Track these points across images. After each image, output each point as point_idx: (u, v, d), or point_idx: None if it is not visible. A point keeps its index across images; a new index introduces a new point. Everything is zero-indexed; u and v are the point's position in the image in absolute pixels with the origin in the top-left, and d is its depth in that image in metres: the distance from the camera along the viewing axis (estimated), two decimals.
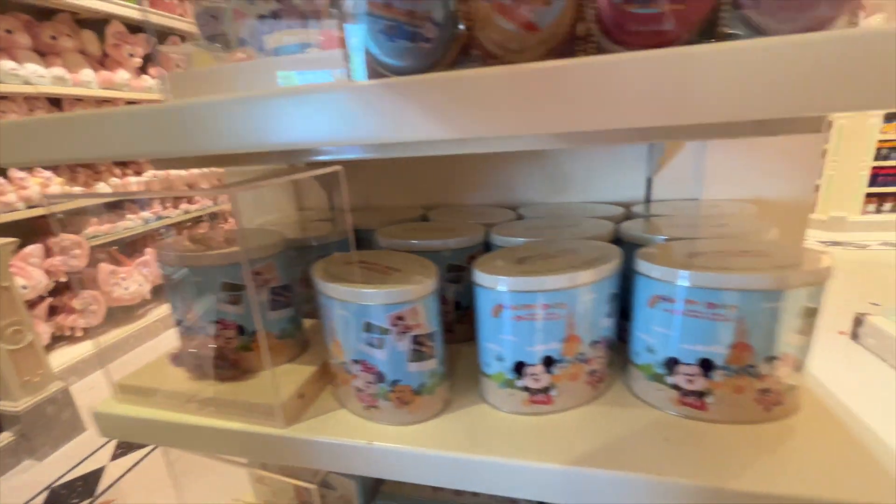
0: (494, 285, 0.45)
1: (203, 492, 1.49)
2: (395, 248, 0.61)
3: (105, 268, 2.87)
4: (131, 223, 3.05)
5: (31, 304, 2.44)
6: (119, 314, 3.09)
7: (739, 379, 0.43)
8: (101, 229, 2.89)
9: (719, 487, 0.38)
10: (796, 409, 0.45)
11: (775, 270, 0.40)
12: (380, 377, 0.46)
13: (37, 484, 1.83)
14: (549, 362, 0.46)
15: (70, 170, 2.81)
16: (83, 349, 2.74)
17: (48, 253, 2.57)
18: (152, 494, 1.76)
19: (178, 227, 3.39)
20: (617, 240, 0.60)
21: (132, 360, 2.93)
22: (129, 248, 3.27)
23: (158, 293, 3.32)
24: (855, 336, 2.56)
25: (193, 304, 0.53)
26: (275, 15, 0.47)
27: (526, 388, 0.47)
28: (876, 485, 0.37)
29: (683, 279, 0.42)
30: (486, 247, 0.62)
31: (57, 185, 2.64)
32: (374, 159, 0.83)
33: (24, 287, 2.24)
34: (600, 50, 0.33)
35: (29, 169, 2.53)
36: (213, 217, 3.84)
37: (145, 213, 3.15)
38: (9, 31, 2.47)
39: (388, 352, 0.45)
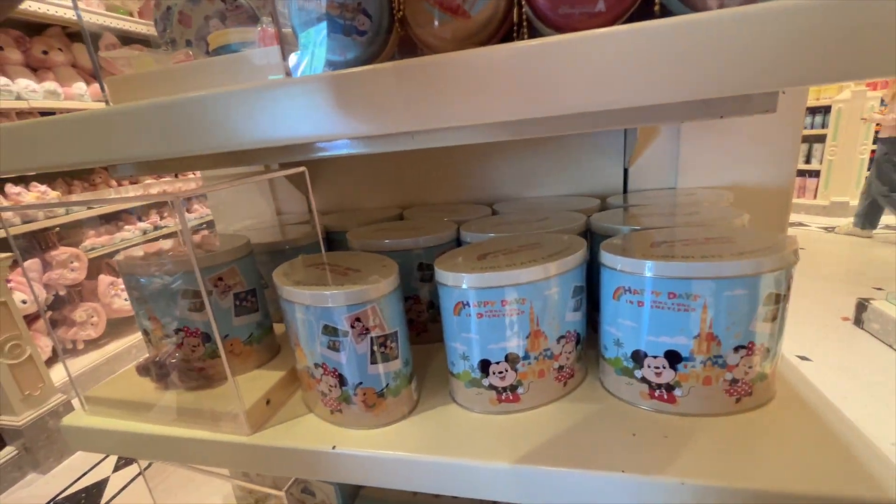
0: (456, 283, 0.44)
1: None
2: (367, 248, 0.60)
3: (105, 279, 2.88)
4: (129, 234, 3.06)
5: (31, 319, 2.45)
6: (120, 326, 3.10)
7: (707, 370, 0.42)
8: (99, 241, 2.91)
9: (682, 483, 0.36)
10: (768, 399, 0.44)
11: (738, 257, 0.39)
12: (342, 380, 0.46)
13: (41, 497, 1.84)
14: (513, 359, 0.45)
15: (66, 183, 2.83)
16: (86, 361, 2.75)
17: (46, 267, 2.58)
18: None
19: (176, 237, 3.40)
20: (589, 232, 0.58)
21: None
22: None
23: None
24: (858, 321, 2.54)
25: (156, 313, 0.52)
26: (222, 16, 0.46)
27: (492, 387, 0.46)
28: (848, 475, 0.36)
29: (644, 269, 0.41)
30: (458, 244, 0.61)
31: (55, 197, 2.65)
32: (350, 160, 0.82)
33: (24, 302, 2.25)
34: (536, 36, 0.32)
35: (25, 184, 2.54)
36: (212, 225, 3.85)
37: (143, 224, 3.16)
38: (0, 48, 2.48)
39: (348, 354, 0.44)
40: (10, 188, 2.40)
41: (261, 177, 0.51)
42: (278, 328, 0.64)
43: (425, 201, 0.82)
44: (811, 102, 4.14)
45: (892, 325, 2.27)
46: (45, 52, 2.72)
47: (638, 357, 0.44)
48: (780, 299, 0.41)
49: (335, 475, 0.46)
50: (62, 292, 2.75)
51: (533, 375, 0.46)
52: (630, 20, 0.31)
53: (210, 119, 0.36)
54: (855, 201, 4.05)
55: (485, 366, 0.46)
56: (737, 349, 0.41)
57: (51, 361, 2.58)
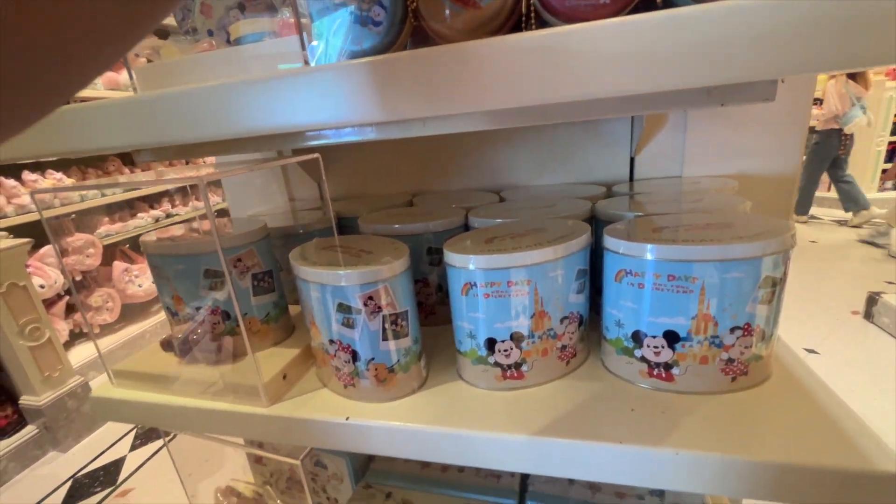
0: (464, 264, 0.46)
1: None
2: (378, 233, 0.62)
3: (119, 265, 2.95)
4: (142, 221, 3.11)
5: (49, 303, 2.51)
6: (134, 311, 3.17)
7: (704, 349, 0.44)
8: (113, 228, 2.96)
9: (676, 453, 0.38)
10: (764, 379, 0.46)
11: (736, 240, 0.41)
12: (355, 356, 0.48)
13: (61, 474, 1.91)
14: (518, 338, 0.47)
15: (81, 171, 2.88)
16: (103, 344, 2.82)
17: (63, 253, 2.64)
18: (170, 482, 1.83)
19: (188, 224, 3.46)
20: (594, 218, 0.60)
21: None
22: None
23: None
24: (868, 315, 2.52)
25: (179, 292, 0.55)
26: (241, 7, 0.48)
27: (498, 364, 0.49)
28: (836, 448, 0.37)
29: (645, 252, 0.43)
30: (467, 229, 0.63)
31: (73, 183, 2.70)
32: (362, 148, 0.84)
33: (42, 286, 2.31)
34: (543, 26, 0.33)
35: (42, 171, 2.60)
36: (223, 214, 3.90)
37: (156, 211, 3.21)
38: None
39: (361, 331, 0.47)
40: (27, 175, 2.45)
41: (277, 162, 0.53)
42: (293, 309, 0.67)
43: (434, 188, 0.83)
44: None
45: None
46: None
47: (638, 337, 0.46)
48: (776, 282, 0.42)
49: (348, 444, 0.49)
50: (78, 278, 2.81)
51: (537, 354, 0.48)
52: (634, 11, 0.32)
53: (233, 106, 0.38)
54: (870, 193, 3.99)
55: (491, 344, 0.48)
56: (733, 330, 0.43)
57: (67, 345, 2.65)
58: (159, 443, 2.13)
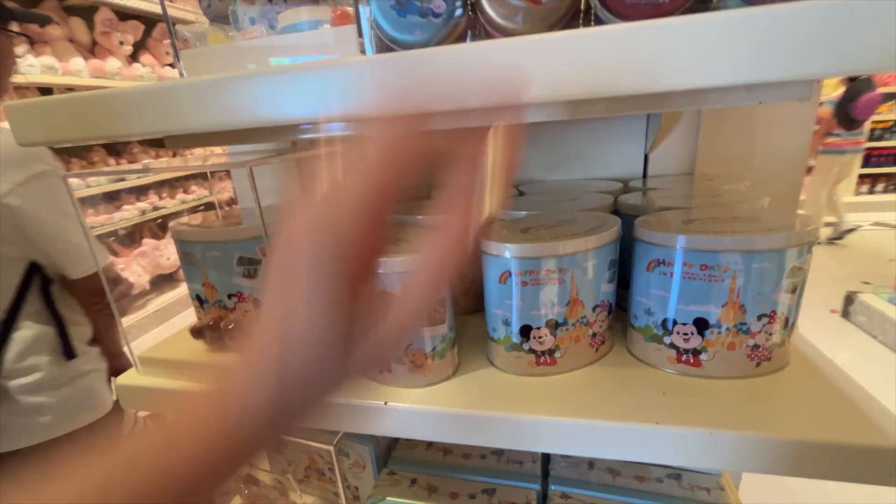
0: (501, 253, 0.48)
1: None
2: (402, 223, 0.63)
3: None
4: (128, 214, 3.04)
5: None
6: (121, 307, 3.10)
7: (732, 336, 0.46)
8: (97, 220, 2.89)
9: (710, 433, 0.41)
10: (785, 365, 0.48)
11: (765, 233, 0.43)
12: None
13: None
14: (553, 325, 0.49)
15: (64, 162, 2.80)
16: None
17: None
18: None
19: (175, 217, 3.39)
20: (615, 212, 0.62)
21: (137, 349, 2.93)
22: (127, 238, 3.27)
23: (157, 284, 3.33)
24: (846, 314, 2.62)
25: (211, 279, 0.55)
26: None
27: (532, 351, 0.50)
28: (854, 425, 0.40)
29: (679, 243, 0.45)
30: (491, 221, 0.64)
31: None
32: None
33: None
34: (600, 23, 0.35)
35: None
36: (210, 207, 3.83)
37: (142, 204, 3.14)
38: None
39: None
40: None
41: (307, 153, 0.53)
42: None
43: None
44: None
45: (879, 318, 2.35)
46: (41, 26, 2.66)
47: (667, 325, 0.48)
48: (801, 272, 0.45)
49: (387, 429, 0.50)
50: None
51: (570, 341, 0.50)
52: (688, 12, 0.34)
53: (285, 92, 0.38)
54: (847, 197, 4.14)
55: (526, 331, 0.50)
56: (760, 317, 0.45)
57: None
58: None
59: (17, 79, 2.42)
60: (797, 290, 0.46)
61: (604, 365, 0.52)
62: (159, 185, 3.41)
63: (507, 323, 0.50)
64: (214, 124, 0.42)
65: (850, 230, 3.75)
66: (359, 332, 0.21)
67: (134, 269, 3.04)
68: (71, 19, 2.88)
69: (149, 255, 3.15)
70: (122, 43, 3.02)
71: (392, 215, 0.22)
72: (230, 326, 0.55)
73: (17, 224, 0.83)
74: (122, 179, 3.05)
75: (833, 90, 3.71)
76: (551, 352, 0.50)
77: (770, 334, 0.46)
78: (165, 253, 3.18)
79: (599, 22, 0.35)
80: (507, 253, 0.47)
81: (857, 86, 3.50)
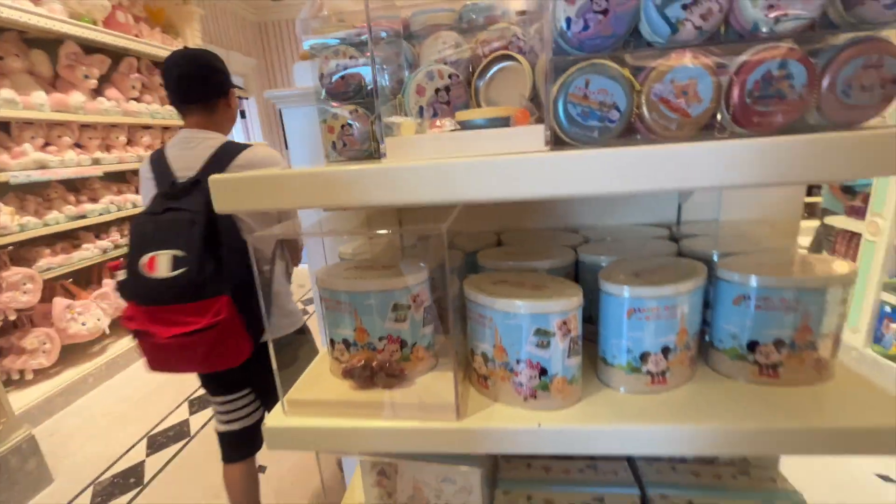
0: (620, 293, 0.59)
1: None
2: (499, 269, 0.73)
3: (60, 302, 2.65)
4: (88, 252, 2.85)
5: None
6: (75, 352, 2.85)
7: (803, 353, 0.60)
8: (55, 261, 2.68)
9: (793, 426, 0.53)
10: (836, 373, 0.63)
11: (826, 273, 0.58)
12: (543, 371, 0.58)
13: None
14: (666, 351, 0.61)
15: (19, 199, 2.60)
16: (36, 393, 2.50)
17: None
18: None
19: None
20: (680, 254, 0.76)
21: (97, 400, 2.67)
22: (84, 279, 3.04)
23: (117, 327, 3.10)
24: None
25: (365, 324, 0.62)
26: (447, 89, 0.58)
27: (649, 373, 0.61)
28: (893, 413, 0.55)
29: (765, 282, 0.59)
30: (576, 265, 0.76)
31: (6, 214, 2.43)
32: None
33: None
34: (725, 131, 0.48)
35: None
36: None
37: (103, 242, 2.96)
38: None
39: (553, 351, 0.57)
40: None
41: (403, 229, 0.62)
42: None
43: (515, 227, 0.96)
44: None
45: None
46: (0, 58, 2.52)
47: (752, 345, 0.62)
48: (846, 302, 0.60)
49: (538, 448, 0.58)
50: (12, 317, 2.50)
51: (677, 363, 0.62)
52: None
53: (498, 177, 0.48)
54: None
55: (645, 356, 0.61)
56: (823, 337, 0.60)
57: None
58: (124, 499, 1.93)
59: None
60: (845, 315, 0.61)
61: (699, 381, 0.64)
62: (120, 222, 3.22)
63: (629, 350, 0.61)
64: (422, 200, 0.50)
65: None
66: None
67: (94, 311, 2.83)
68: (32, 52, 2.74)
69: (109, 297, 2.95)
70: (87, 76, 2.91)
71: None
72: (379, 365, 0.62)
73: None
74: (84, 217, 2.88)
75: None
76: (663, 373, 0.62)
77: (828, 350, 0.61)
78: None
79: (724, 130, 0.48)
80: (626, 293, 0.59)
81: None
